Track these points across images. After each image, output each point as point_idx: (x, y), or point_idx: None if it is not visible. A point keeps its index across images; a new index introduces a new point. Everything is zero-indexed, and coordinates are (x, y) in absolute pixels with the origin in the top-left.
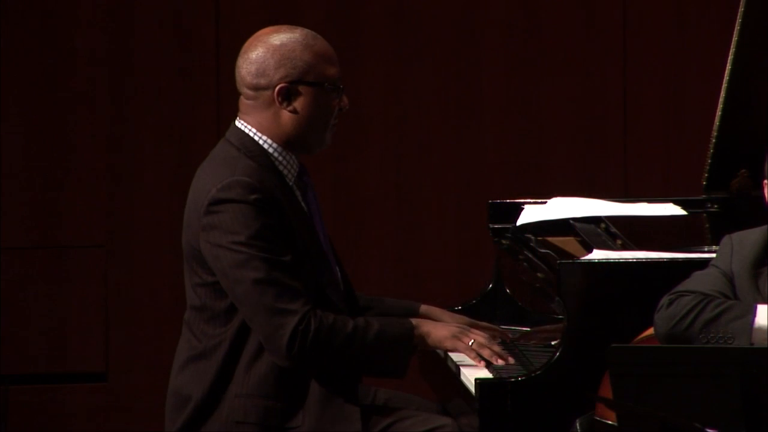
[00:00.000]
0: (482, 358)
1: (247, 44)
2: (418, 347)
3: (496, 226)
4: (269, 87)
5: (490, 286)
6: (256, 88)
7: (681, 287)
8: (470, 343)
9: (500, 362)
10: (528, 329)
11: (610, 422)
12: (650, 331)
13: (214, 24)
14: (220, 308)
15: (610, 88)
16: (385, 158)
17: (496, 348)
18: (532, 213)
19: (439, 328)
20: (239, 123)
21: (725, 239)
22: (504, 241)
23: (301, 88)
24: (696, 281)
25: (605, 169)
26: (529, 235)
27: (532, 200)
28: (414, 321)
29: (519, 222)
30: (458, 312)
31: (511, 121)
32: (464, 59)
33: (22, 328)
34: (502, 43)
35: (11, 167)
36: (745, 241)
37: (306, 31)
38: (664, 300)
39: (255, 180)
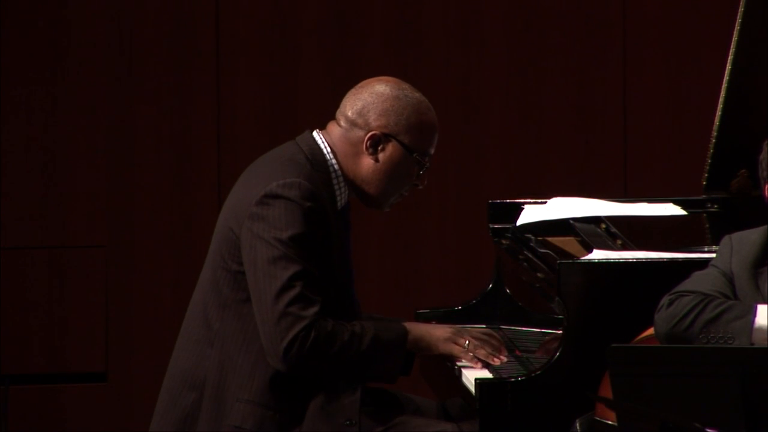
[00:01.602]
0: (479, 359)
1: (366, 81)
2: (413, 352)
3: (496, 226)
4: (364, 128)
5: (490, 286)
6: (353, 123)
7: (681, 287)
8: (466, 344)
9: (497, 361)
10: (527, 329)
11: (610, 422)
12: (650, 331)
13: (214, 24)
14: (234, 299)
15: (610, 89)
16: None
17: (490, 348)
18: (532, 213)
19: (432, 331)
20: (317, 135)
21: (725, 239)
22: (504, 241)
23: (392, 144)
24: (696, 281)
25: (605, 169)
26: (529, 235)
27: (532, 200)
28: (408, 326)
29: (519, 222)
30: (458, 312)
31: (511, 121)
32: (464, 59)
33: (22, 328)
34: (502, 44)
35: (11, 167)
36: (745, 241)
37: (425, 99)
38: (664, 300)
39: (316, 190)
